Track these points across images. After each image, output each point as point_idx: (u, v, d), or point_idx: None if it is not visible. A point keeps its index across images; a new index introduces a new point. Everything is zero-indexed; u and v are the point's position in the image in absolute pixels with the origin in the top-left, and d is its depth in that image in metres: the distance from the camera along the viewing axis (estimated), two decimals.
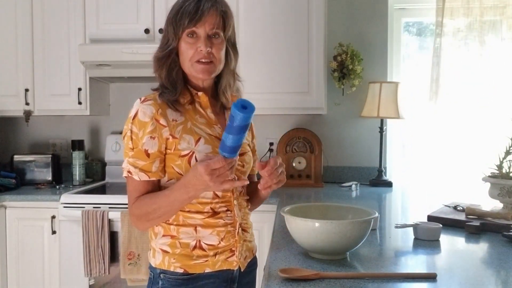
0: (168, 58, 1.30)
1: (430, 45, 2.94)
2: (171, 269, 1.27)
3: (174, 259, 1.27)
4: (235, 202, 1.32)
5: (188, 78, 1.34)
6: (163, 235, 1.29)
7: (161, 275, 1.29)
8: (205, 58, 1.27)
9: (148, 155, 1.23)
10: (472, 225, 1.62)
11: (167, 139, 1.24)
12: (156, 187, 1.28)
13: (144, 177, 1.24)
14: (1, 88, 2.90)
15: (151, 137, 1.23)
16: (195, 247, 1.27)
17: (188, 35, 1.27)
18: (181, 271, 1.27)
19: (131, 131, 1.24)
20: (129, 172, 1.25)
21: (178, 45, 1.29)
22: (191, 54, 1.27)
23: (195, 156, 1.24)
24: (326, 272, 1.15)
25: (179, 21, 1.26)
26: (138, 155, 1.24)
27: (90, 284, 2.52)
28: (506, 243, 1.47)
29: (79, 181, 2.91)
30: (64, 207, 2.50)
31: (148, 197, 1.25)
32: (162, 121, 1.24)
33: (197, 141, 1.26)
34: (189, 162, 1.24)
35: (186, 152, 1.24)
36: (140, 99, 1.27)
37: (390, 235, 1.62)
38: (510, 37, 2.82)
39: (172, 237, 1.28)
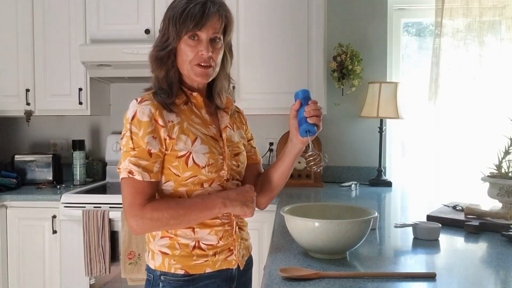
0: (168, 59, 1.28)
1: (430, 46, 2.95)
2: (172, 270, 1.26)
3: (174, 260, 1.27)
4: None
5: (183, 78, 1.33)
6: (161, 237, 1.28)
7: (162, 277, 1.28)
8: (205, 62, 1.27)
9: (150, 154, 1.22)
10: (471, 224, 1.62)
11: (165, 139, 1.23)
12: (154, 190, 1.26)
13: (147, 177, 1.21)
14: (2, 88, 2.91)
15: (152, 136, 1.22)
16: (194, 247, 1.27)
17: (190, 37, 1.26)
18: (182, 272, 1.26)
19: (131, 131, 1.22)
20: (129, 172, 1.21)
21: (177, 45, 1.28)
22: (191, 57, 1.27)
23: (192, 157, 1.24)
24: (326, 271, 1.16)
25: (183, 23, 1.24)
26: (141, 154, 1.21)
27: (91, 283, 2.53)
28: (505, 242, 1.48)
29: (79, 181, 2.92)
30: (65, 206, 2.51)
31: (170, 201, 1.24)
32: (160, 122, 1.23)
33: (194, 141, 1.26)
34: (186, 163, 1.24)
35: (183, 152, 1.24)
36: (137, 100, 1.26)
37: (389, 234, 1.63)
38: (509, 38, 2.82)
39: (171, 238, 1.27)
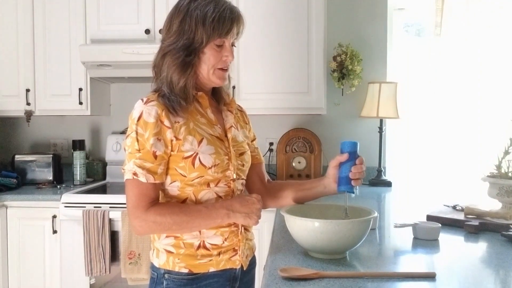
0: (194, 65, 1.27)
1: (429, 45, 2.95)
2: (176, 269, 1.27)
3: (178, 259, 1.27)
4: None
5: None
6: (167, 236, 1.29)
7: (166, 275, 1.29)
8: (226, 66, 1.31)
9: (155, 156, 1.21)
10: (471, 224, 1.62)
11: (171, 140, 1.23)
12: (158, 192, 1.27)
13: (151, 179, 1.21)
14: (3, 88, 2.91)
15: (157, 138, 1.21)
16: (199, 247, 1.28)
17: (218, 43, 1.28)
18: (186, 271, 1.27)
19: (137, 133, 1.21)
20: (134, 174, 1.21)
21: (202, 49, 1.27)
22: (215, 62, 1.28)
23: (199, 158, 1.24)
24: (326, 271, 1.16)
25: (216, 28, 1.25)
26: (146, 156, 1.21)
27: (91, 283, 2.53)
28: (505, 242, 1.48)
29: (80, 181, 2.92)
30: (65, 206, 2.51)
31: (175, 207, 1.24)
32: (166, 123, 1.22)
33: (200, 142, 1.26)
34: (193, 164, 1.24)
35: (189, 153, 1.24)
36: (142, 100, 1.24)
37: (389, 234, 1.63)
38: (509, 37, 2.83)
39: (176, 237, 1.28)
